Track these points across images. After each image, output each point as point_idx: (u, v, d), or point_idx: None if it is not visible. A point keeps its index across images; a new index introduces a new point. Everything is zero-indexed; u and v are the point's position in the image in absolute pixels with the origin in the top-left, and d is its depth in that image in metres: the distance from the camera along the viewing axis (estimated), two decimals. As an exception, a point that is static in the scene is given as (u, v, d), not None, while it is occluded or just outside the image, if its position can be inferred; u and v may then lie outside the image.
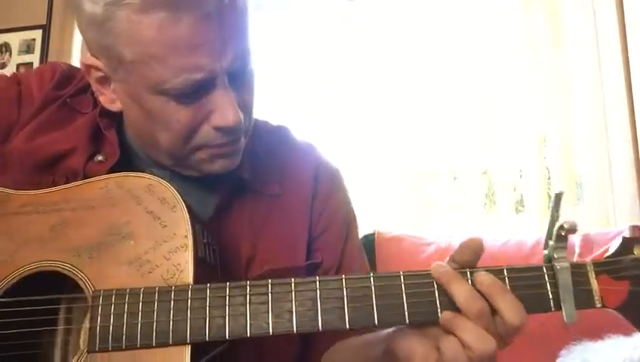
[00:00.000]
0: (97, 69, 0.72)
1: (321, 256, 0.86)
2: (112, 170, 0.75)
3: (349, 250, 0.90)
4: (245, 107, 0.73)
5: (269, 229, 0.83)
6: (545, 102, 2.03)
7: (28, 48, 2.54)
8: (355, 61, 2.24)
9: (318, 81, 2.29)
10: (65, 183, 0.73)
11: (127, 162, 0.79)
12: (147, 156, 0.80)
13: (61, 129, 0.80)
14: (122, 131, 0.82)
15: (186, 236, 0.64)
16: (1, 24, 2.57)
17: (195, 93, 0.68)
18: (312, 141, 0.95)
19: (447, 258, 0.61)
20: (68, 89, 0.83)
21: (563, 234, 0.58)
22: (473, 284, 0.57)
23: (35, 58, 2.52)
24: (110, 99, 0.75)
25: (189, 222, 0.65)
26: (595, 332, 1.11)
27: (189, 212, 0.66)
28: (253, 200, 0.83)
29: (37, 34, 2.53)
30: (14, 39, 2.55)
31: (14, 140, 0.79)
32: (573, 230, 0.57)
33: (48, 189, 0.70)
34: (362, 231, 1.05)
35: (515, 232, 1.75)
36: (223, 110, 0.69)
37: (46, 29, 2.49)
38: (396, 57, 2.21)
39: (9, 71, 2.55)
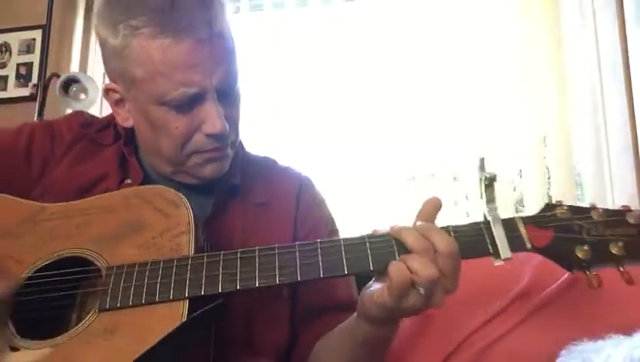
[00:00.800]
0: (115, 91, 0.90)
1: None
2: None
3: None
4: (231, 121, 0.88)
5: (259, 233, 0.93)
6: (545, 102, 2.04)
7: (28, 48, 2.55)
8: (355, 61, 2.24)
9: (318, 82, 2.29)
10: None
11: (147, 181, 0.96)
12: (155, 171, 0.95)
13: (92, 159, 0.97)
14: (140, 158, 0.98)
15: (188, 223, 0.78)
16: (1, 24, 2.58)
17: (190, 104, 0.84)
18: (293, 166, 1.10)
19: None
20: (92, 128, 1.01)
21: (487, 183, 0.70)
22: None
23: (35, 58, 2.53)
24: (124, 117, 0.92)
25: (192, 216, 0.78)
26: (596, 333, 1.11)
27: (192, 211, 0.80)
28: (244, 206, 0.96)
29: (37, 34, 2.53)
30: (14, 39, 2.56)
31: (55, 171, 0.95)
32: (493, 178, 0.70)
33: (77, 201, 0.85)
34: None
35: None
36: (212, 120, 0.84)
37: (46, 29, 2.50)
38: (396, 58, 2.22)
39: (9, 71, 2.55)
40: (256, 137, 1.80)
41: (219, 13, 0.84)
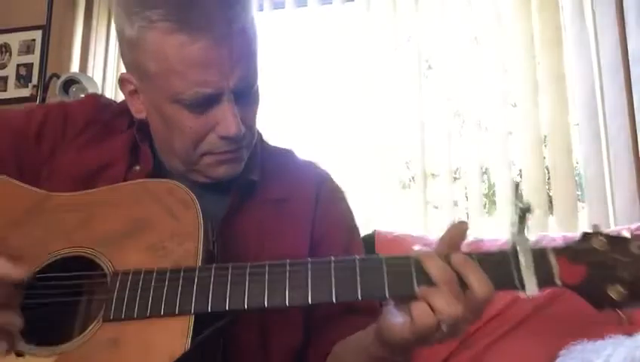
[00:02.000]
0: (129, 82, 0.87)
1: None
2: (148, 177, 0.89)
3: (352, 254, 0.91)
4: (247, 122, 0.85)
5: (275, 233, 0.91)
6: (545, 102, 2.04)
7: (28, 48, 2.55)
8: (355, 61, 2.24)
9: (318, 82, 2.29)
10: None
11: (158, 173, 0.92)
12: (169, 166, 0.92)
13: (103, 145, 0.94)
14: (154, 147, 0.95)
15: (197, 229, 0.75)
16: (1, 24, 2.57)
17: (204, 104, 0.81)
18: (314, 161, 1.05)
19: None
20: (107, 113, 0.98)
21: (521, 215, 0.64)
22: (449, 264, 0.64)
23: (35, 58, 2.52)
24: (138, 109, 0.89)
25: (201, 219, 0.76)
26: (596, 332, 1.11)
27: (202, 212, 0.77)
28: (262, 204, 0.92)
29: (37, 34, 2.53)
30: (14, 39, 2.56)
31: (64, 154, 0.93)
32: (527, 209, 0.65)
33: (83, 192, 0.83)
34: (362, 231, 1.05)
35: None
36: (227, 122, 0.81)
37: (46, 29, 2.50)
38: (395, 58, 2.22)
39: (9, 71, 2.55)
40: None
41: (241, 10, 0.80)
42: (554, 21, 2.07)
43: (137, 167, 0.91)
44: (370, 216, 2.02)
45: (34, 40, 2.54)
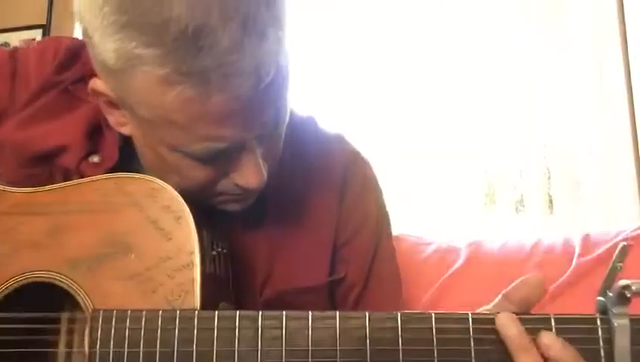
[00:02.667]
0: (105, 94, 0.64)
1: (345, 270, 0.78)
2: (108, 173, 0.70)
3: (378, 265, 0.81)
4: (271, 156, 0.67)
5: (289, 242, 0.76)
6: (545, 102, 2.03)
7: (28, 48, 2.54)
8: (354, 60, 2.23)
9: (318, 80, 2.28)
10: (63, 178, 0.70)
11: (126, 166, 0.71)
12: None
13: (58, 119, 0.72)
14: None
15: (192, 253, 0.59)
16: (1, 24, 2.57)
17: (217, 157, 0.62)
18: (340, 132, 0.85)
19: (499, 296, 0.57)
20: (71, 71, 0.74)
21: (628, 295, 0.53)
22: (537, 345, 0.53)
23: (35, 58, 2.52)
24: (119, 122, 0.67)
25: (196, 236, 0.60)
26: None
27: (195, 221, 0.61)
28: (274, 208, 0.75)
29: (37, 34, 2.52)
30: (14, 39, 2.55)
31: (9, 127, 0.72)
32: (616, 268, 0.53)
33: (43, 188, 0.65)
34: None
35: (515, 232, 1.75)
36: (246, 173, 0.64)
37: (46, 29, 2.49)
38: (395, 59, 2.21)
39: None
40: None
41: (273, 50, 0.56)
42: (554, 21, 2.06)
43: (95, 158, 0.71)
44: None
45: (34, 39, 2.53)
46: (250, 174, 0.64)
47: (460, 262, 1.34)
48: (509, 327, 0.53)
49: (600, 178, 1.91)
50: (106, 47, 0.56)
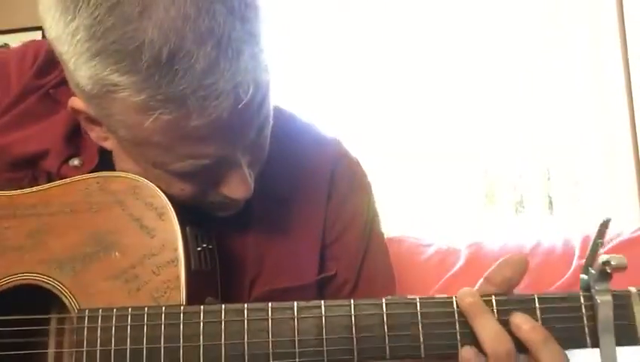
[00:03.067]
0: (87, 113, 0.63)
1: (335, 267, 0.78)
2: None
3: (370, 262, 0.81)
4: (257, 161, 0.68)
5: (277, 241, 0.76)
6: (545, 102, 2.03)
7: (27, 49, 2.54)
8: (354, 60, 2.23)
9: (315, 79, 2.28)
10: (46, 180, 0.70)
11: (106, 168, 0.71)
12: None
13: (38, 123, 0.73)
14: None
15: (176, 249, 0.60)
16: (1, 24, 2.57)
17: (202, 173, 0.62)
18: (337, 137, 0.86)
19: (481, 280, 0.57)
20: (52, 75, 0.75)
21: (609, 271, 0.52)
22: (506, 324, 0.53)
23: (34, 59, 2.52)
24: (101, 137, 0.67)
25: (179, 232, 0.60)
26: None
27: (179, 217, 0.62)
28: (261, 207, 0.75)
29: (37, 35, 2.52)
30: (14, 40, 2.55)
31: None
32: (621, 268, 0.52)
33: (25, 190, 0.66)
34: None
35: (515, 232, 1.75)
36: (233, 185, 0.64)
37: (44, 31, 2.49)
38: (395, 58, 2.21)
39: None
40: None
41: (250, 67, 0.55)
42: (554, 21, 2.06)
43: (76, 162, 0.71)
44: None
45: (34, 40, 2.54)
46: (237, 186, 0.64)
47: (460, 263, 1.34)
48: (463, 298, 0.54)
49: (600, 178, 1.91)
50: (82, 74, 0.55)
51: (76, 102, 0.64)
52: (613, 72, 1.90)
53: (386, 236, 1.62)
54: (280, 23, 2.22)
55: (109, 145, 0.68)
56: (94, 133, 0.67)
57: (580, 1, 1.99)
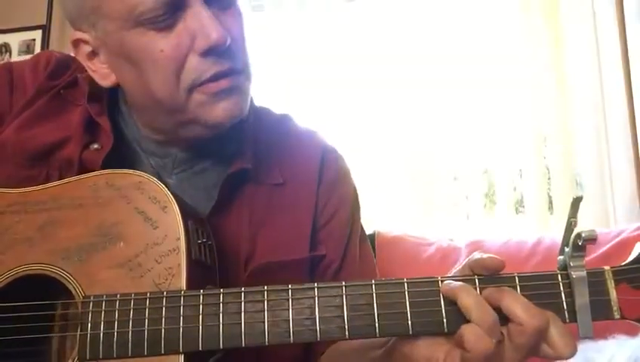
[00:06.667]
0: (83, 41, 0.74)
1: (325, 249, 0.84)
2: (108, 157, 0.76)
3: (353, 242, 0.88)
4: (233, 32, 0.71)
5: (270, 221, 0.81)
6: (545, 102, 2.04)
7: (28, 48, 2.54)
8: (354, 61, 2.24)
9: (317, 81, 2.29)
10: (59, 176, 0.75)
11: (123, 151, 0.80)
12: (150, 137, 0.80)
13: (54, 120, 0.80)
14: (116, 120, 0.82)
15: (178, 238, 0.63)
16: (1, 24, 2.57)
17: (170, 15, 0.67)
18: (315, 129, 0.93)
19: (462, 264, 0.60)
20: (62, 79, 0.83)
21: (580, 243, 0.55)
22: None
23: (34, 59, 2.52)
24: (103, 74, 0.76)
25: (182, 223, 0.64)
26: (599, 332, 1.11)
27: (181, 211, 0.65)
28: (255, 191, 0.81)
29: (37, 34, 2.53)
30: (14, 40, 2.55)
31: (6, 130, 0.79)
32: (591, 239, 0.54)
33: (36, 187, 0.70)
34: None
35: (515, 232, 1.75)
36: (203, 29, 0.67)
37: (46, 29, 2.49)
38: (396, 58, 2.21)
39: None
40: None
41: None
42: (554, 21, 2.07)
43: (95, 145, 0.78)
44: (370, 216, 2.02)
45: (34, 40, 2.53)
46: (206, 27, 0.67)
47: (461, 261, 1.34)
48: (447, 284, 0.58)
49: (600, 178, 1.92)
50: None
51: (75, 34, 0.75)
52: (613, 72, 1.90)
53: (387, 235, 1.63)
54: (276, 28, 2.24)
55: (112, 79, 0.75)
56: (97, 74, 0.76)
57: (581, 1, 2.00)
